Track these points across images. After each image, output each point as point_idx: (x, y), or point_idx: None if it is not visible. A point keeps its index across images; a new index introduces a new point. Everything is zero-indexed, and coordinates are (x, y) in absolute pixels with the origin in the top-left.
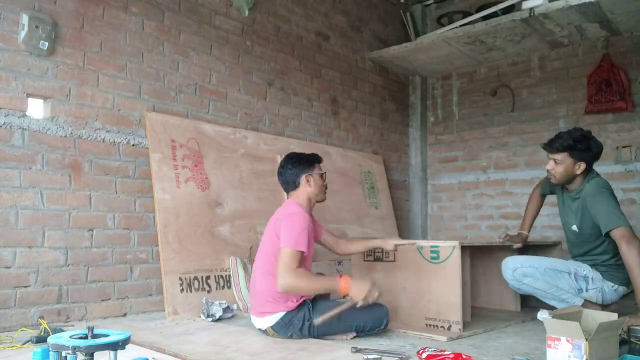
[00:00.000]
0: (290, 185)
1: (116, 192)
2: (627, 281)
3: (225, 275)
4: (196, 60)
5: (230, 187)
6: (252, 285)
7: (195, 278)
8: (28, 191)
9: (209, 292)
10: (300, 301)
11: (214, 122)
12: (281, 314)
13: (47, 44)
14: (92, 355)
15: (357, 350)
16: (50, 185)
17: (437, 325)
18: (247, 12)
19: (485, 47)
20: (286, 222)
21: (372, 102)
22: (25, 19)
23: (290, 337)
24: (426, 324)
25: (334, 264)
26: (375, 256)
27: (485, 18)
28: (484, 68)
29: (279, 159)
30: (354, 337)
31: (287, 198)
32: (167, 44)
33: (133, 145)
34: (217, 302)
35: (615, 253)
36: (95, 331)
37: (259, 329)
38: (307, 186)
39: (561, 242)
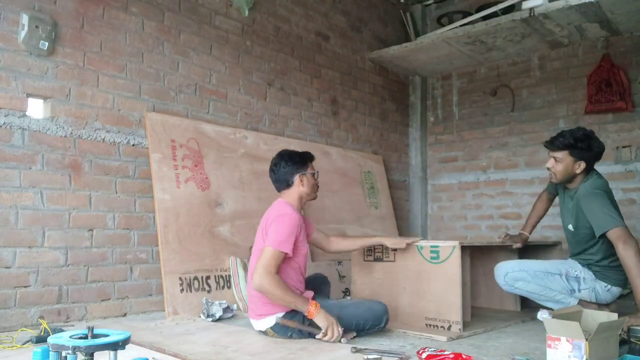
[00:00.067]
0: (283, 183)
1: (116, 192)
2: (621, 282)
3: (225, 275)
4: (196, 60)
5: (230, 187)
6: (249, 286)
7: (195, 278)
8: (28, 191)
9: (209, 292)
10: None
11: (214, 122)
12: (280, 314)
13: (47, 44)
14: (92, 355)
15: (357, 350)
16: (50, 185)
17: (437, 325)
18: (247, 12)
19: (485, 47)
20: (275, 223)
21: (372, 102)
22: (25, 19)
23: (290, 337)
24: (426, 324)
25: (334, 264)
26: (375, 256)
27: (485, 18)
28: (484, 68)
29: None
30: (354, 337)
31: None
32: (167, 44)
33: (133, 145)
34: (217, 302)
35: (609, 254)
36: (95, 331)
37: (259, 331)
38: (300, 185)
39: (561, 242)
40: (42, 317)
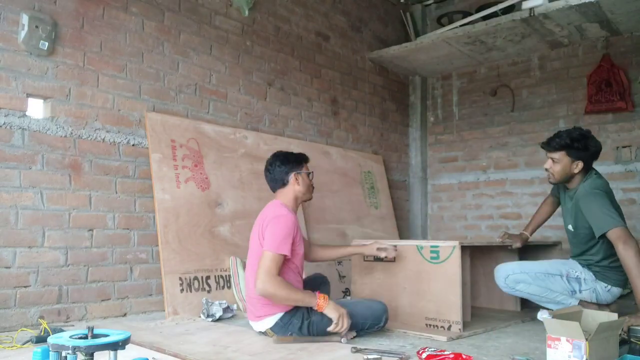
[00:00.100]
0: (278, 183)
1: (116, 192)
2: (621, 283)
3: (225, 275)
4: (196, 60)
5: (230, 187)
6: (247, 289)
7: (195, 278)
8: (28, 191)
9: (209, 292)
10: None
11: (214, 122)
12: (279, 315)
13: (47, 44)
14: (92, 355)
15: (357, 350)
16: (50, 185)
17: (437, 325)
18: (247, 12)
19: (485, 47)
20: (272, 225)
21: (372, 102)
22: (25, 19)
23: (290, 336)
24: (426, 324)
25: (334, 264)
26: (375, 256)
27: (485, 18)
28: (484, 68)
29: None
30: (354, 337)
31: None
32: (167, 44)
33: (133, 145)
34: (217, 302)
35: (609, 255)
36: (95, 331)
37: (259, 332)
38: (295, 184)
39: (561, 242)
40: (42, 317)
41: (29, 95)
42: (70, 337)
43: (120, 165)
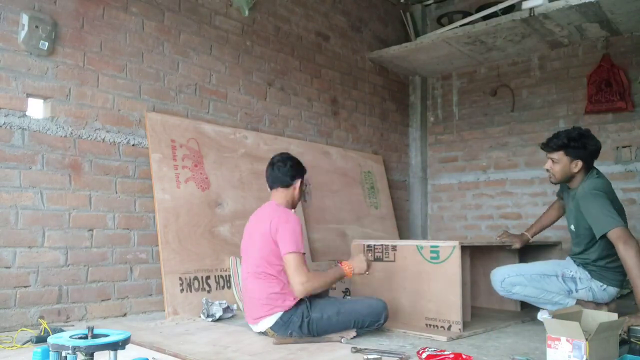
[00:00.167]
0: (282, 182)
1: (116, 192)
2: (618, 283)
3: (225, 275)
4: (196, 60)
5: (230, 187)
6: (244, 291)
7: (195, 278)
8: (28, 191)
9: (209, 292)
10: (298, 299)
11: (214, 122)
12: (279, 314)
13: (47, 44)
14: (92, 355)
15: (357, 350)
16: (50, 185)
17: (437, 325)
18: (247, 12)
19: (485, 47)
20: (286, 228)
21: (372, 102)
22: (25, 19)
23: (290, 335)
24: (426, 324)
25: (334, 264)
26: (375, 256)
27: (485, 18)
28: (484, 68)
29: None
30: (354, 337)
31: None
32: (167, 44)
33: (133, 145)
34: (217, 302)
35: (607, 255)
36: (95, 331)
37: (259, 332)
38: (295, 189)
39: (561, 242)
40: (42, 317)
41: (29, 95)
42: (70, 337)
43: (120, 165)
